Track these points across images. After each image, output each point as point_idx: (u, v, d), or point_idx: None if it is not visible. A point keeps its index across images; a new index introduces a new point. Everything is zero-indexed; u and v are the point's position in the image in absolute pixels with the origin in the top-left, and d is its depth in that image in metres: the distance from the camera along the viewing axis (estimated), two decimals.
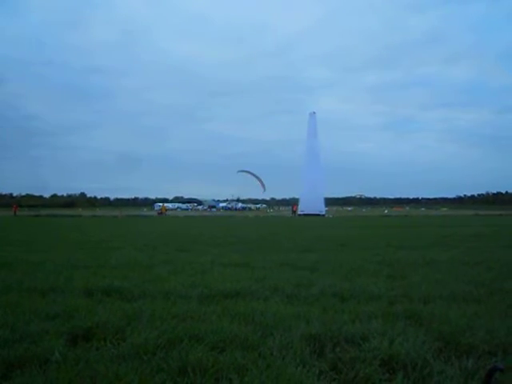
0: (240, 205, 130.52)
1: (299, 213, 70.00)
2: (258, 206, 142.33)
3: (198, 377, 3.83)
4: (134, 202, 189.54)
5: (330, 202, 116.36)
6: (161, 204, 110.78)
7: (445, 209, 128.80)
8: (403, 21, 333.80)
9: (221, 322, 5.35)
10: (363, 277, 8.90)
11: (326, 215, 67.86)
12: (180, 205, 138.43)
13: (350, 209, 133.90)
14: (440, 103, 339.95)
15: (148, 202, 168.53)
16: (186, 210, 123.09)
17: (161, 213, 79.22)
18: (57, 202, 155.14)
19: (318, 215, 65.66)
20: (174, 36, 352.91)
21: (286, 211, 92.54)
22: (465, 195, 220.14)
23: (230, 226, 34.92)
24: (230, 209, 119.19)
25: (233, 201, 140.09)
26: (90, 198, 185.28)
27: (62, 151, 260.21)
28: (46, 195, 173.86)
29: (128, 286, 7.71)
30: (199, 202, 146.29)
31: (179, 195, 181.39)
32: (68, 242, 18.58)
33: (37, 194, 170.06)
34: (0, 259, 11.75)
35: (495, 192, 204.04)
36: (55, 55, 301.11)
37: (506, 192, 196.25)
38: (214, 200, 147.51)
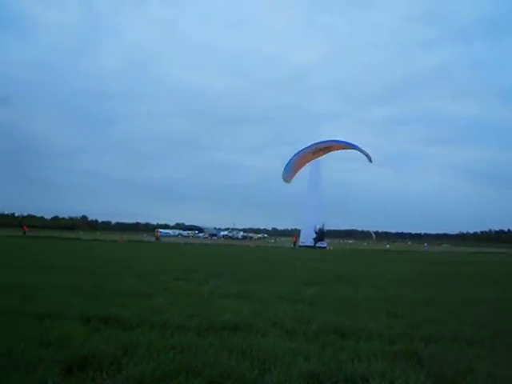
0: (241, 234, 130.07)
1: (300, 244, 69.55)
2: (259, 235, 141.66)
3: None
4: (135, 227, 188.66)
5: (332, 234, 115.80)
6: (161, 230, 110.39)
7: (446, 245, 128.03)
8: (410, 56, 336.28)
9: (218, 356, 5.27)
10: (363, 313, 8.79)
11: (327, 247, 67.44)
12: (181, 231, 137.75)
13: (350, 242, 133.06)
14: (443, 139, 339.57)
15: (149, 228, 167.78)
16: (187, 236, 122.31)
17: (157, 238, 78.94)
18: (58, 223, 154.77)
19: (319, 247, 65.28)
20: (178, 64, 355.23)
21: (286, 241, 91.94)
22: (467, 232, 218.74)
23: (231, 255, 34.68)
24: (230, 237, 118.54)
25: (234, 229, 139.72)
26: (91, 221, 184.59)
27: (67, 173, 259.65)
28: (48, 217, 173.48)
29: (126, 314, 7.64)
30: (200, 230, 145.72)
31: (181, 222, 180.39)
32: (63, 266, 18.37)
33: (38, 214, 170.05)
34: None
35: (498, 230, 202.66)
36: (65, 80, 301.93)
37: (509, 230, 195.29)
38: (215, 228, 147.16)
